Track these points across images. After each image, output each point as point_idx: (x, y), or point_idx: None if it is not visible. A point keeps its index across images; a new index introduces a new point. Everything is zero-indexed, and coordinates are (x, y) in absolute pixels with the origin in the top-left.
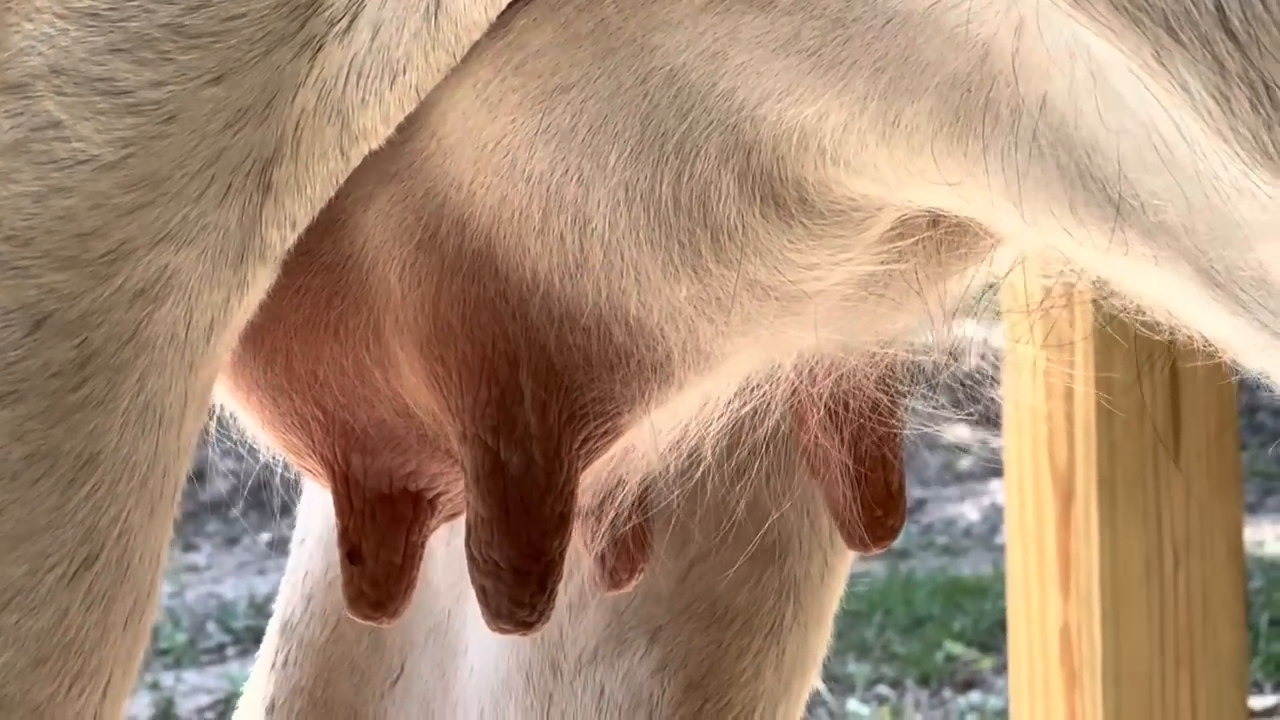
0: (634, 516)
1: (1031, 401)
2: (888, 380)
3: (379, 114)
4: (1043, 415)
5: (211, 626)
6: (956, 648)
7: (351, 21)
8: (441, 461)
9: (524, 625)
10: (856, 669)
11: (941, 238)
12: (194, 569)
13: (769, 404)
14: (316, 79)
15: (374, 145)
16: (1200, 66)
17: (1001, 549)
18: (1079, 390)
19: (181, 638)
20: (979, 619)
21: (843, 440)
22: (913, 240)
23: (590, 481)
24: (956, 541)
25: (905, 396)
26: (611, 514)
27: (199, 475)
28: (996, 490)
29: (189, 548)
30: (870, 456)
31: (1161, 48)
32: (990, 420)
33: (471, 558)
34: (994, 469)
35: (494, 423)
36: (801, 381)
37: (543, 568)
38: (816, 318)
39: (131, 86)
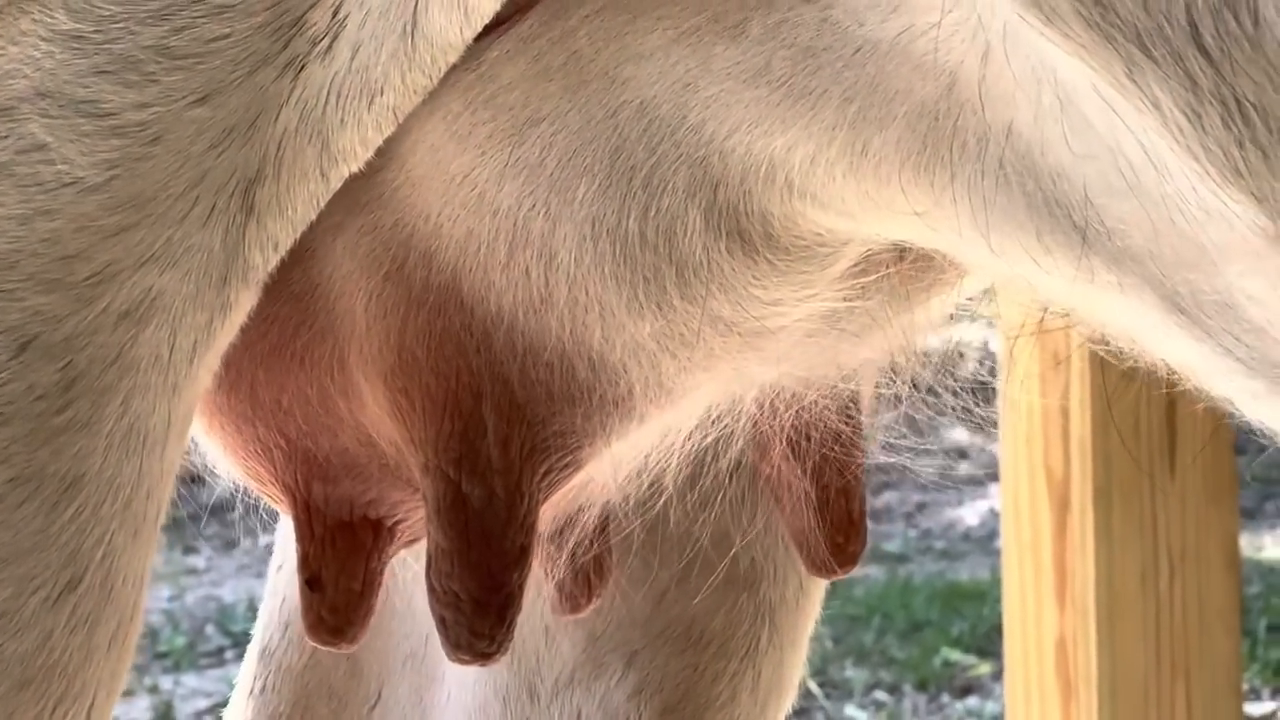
0: (594, 544)
1: (1028, 412)
2: (849, 410)
3: (357, 136)
4: (1039, 425)
5: (211, 630)
6: (954, 653)
7: (333, 41)
8: (402, 490)
9: (483, 656)
10: (854, 674)
11: (905, 272)
12: (193, 572)
13: (731, 435)
14: (299, 99)
15: (353, 168)
16: (1172, 83)
17: (999, 554)
18: (1075, 400)
19: (181, 641)
20: (977, 624)
21: (804, 470)
22: (877, 276)
23: (551, 510)
24: (954, 546)
25: (867, 425)
26: (571, 542)
27: (197, 479)
28: (995, 494)
29: (188, 551)
30: (832, 485)
31: (1133, 64)
32: (989, 424)
33: (431, 589)
34: (992, 473)
35: (456, 455)
36: (763, 413)
37: (502, 599)
38: (779, 353)
39: (116, 108)
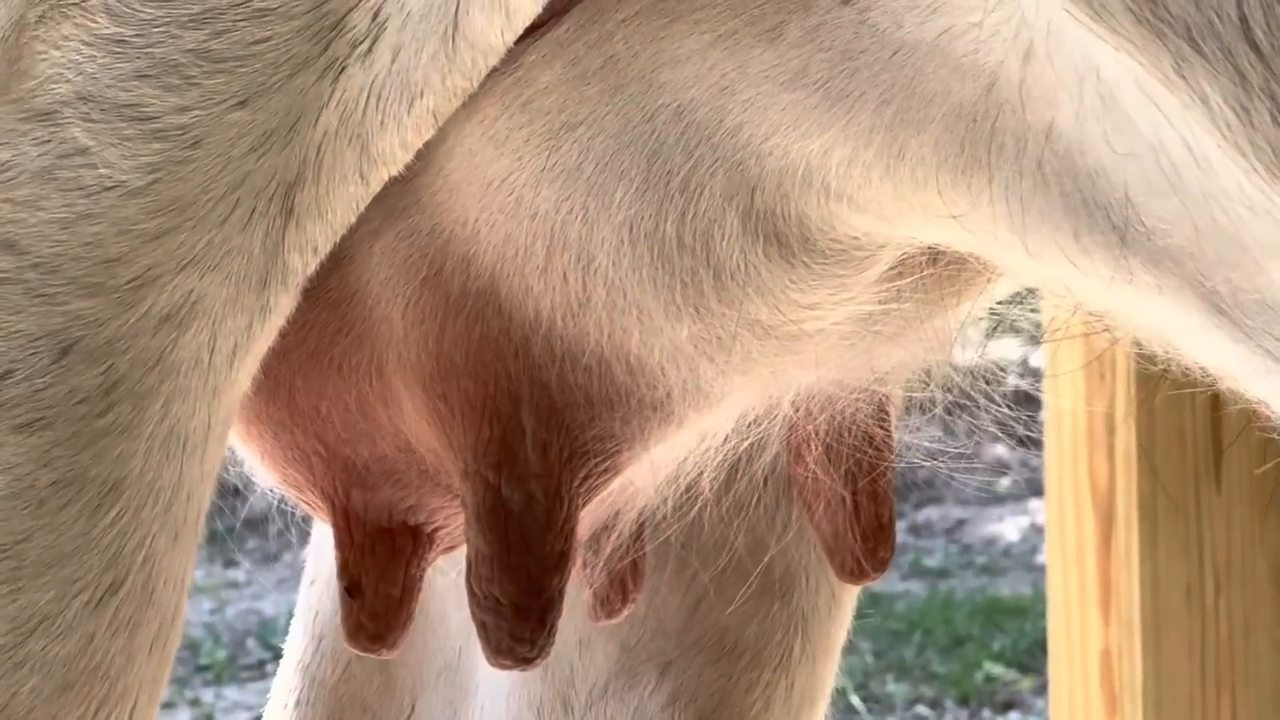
0: (630, 550)
1: (1072, 425)
2: (882, 414)
3: (397, 138)
4: (1084, 438)
5: (252, 643)
6: (996, 668)
7: (373, 44)
8: (441, 496)
9: (524, 661)
10: (896, 689)
11: (940, 274)
12: (234, 585)
13: (766, 439)
14: (339, 102)
15: (393, 171)
16: (1221, 79)
17: (1041, 569)
18: (1120, 413)
19: (222, 654)
20: (1018, 639)
21: (837, 474)
22: (912, 279)
23: (589, 515)
24: (996, 561)
25: (899, 430)
26: (608, 548)
27: (238, 492)
28: (1036, 510)
29: (229, 564)
30: (863, 490)
31: (1183, 59)
32: (1030, 440)
33: (472, 594)
34: (1034, 488)
35: (495, 460)
36: (799, 417)
37: (543, 604)
38: (815, 356)
39: (158, 112)
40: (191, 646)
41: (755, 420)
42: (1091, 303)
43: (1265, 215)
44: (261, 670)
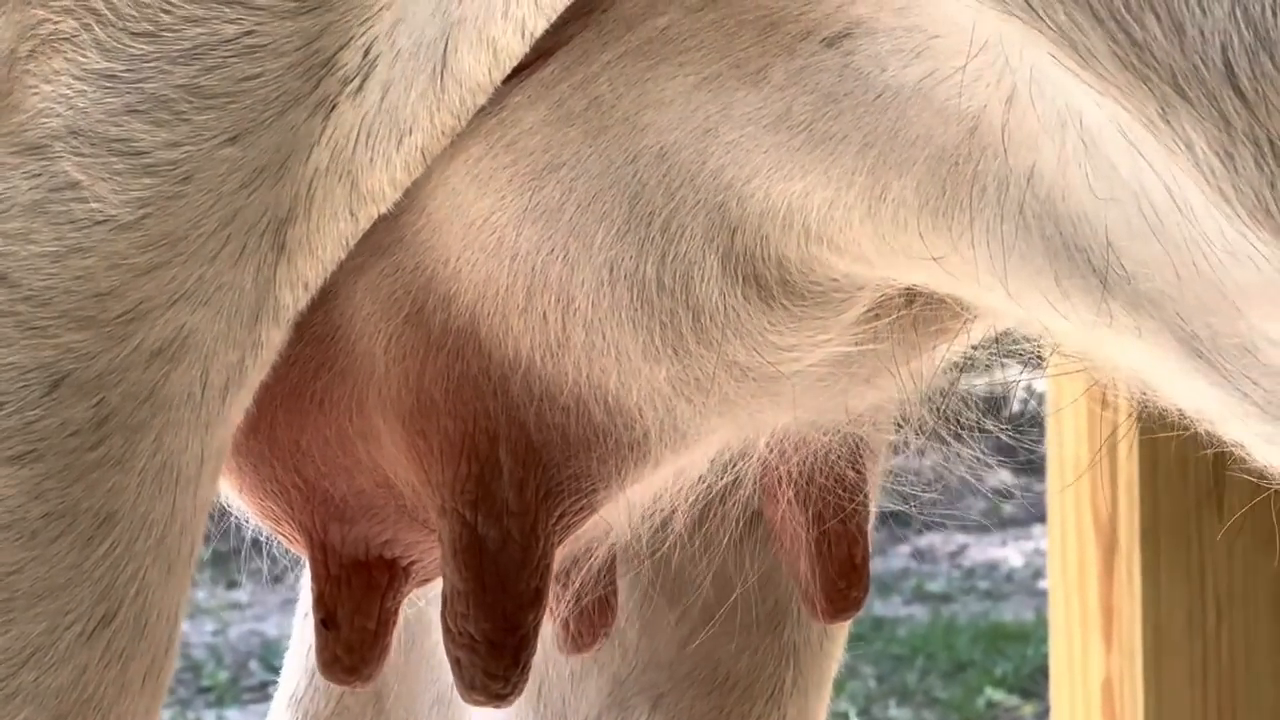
0: (600, 585)
1: (1075, 453)
2: (855, 455)
3: (386, 176)
4: (1086, 466)
5: (254, 664)
6: (998, 693)
7: (364, 81)
8: (418, 531)
9: (498, 697)
10: (898, 714)
11: (916, 316)
12: (237, 606)
13: (741, 479)
14: (330, 139)
15: (382, 209)
16: (1206, 124)
17: (1044, 594)
18: (1122, 441)
19: (224, 676)
20: (1021, 665)
21: (809, 515)
22: (888, 320)
23: (561, 552)
24: (998, 587)
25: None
26: (578, 582)
27: (242, 513)
28: (1039, 535)
29: (231, 585)
30: (835, 531)
31: (1168, 105)
32: (1033, 466)
33: (447, 630)
34: (1036, 514)
35: (472, 497)
36: (772, 457)
37: (517, 641)
38: (793, 397)
39: (148, 147)
40: (194, 668)
41: (731, 460)
42: (1071, 344)
43: (1246, 261)
44: (264, 692)
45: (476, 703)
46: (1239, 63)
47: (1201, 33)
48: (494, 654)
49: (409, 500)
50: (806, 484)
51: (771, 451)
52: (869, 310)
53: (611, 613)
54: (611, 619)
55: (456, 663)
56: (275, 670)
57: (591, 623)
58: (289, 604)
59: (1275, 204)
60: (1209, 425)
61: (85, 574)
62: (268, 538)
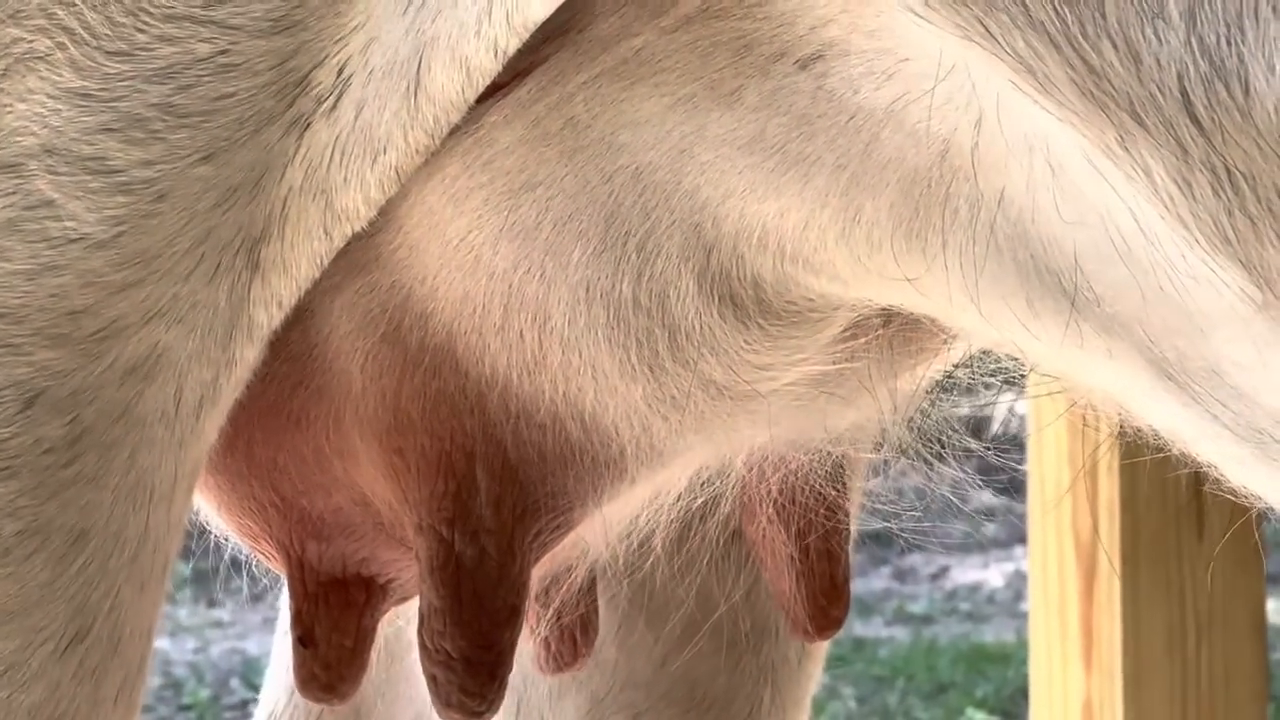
0: (581, 604)
1: (1055, 474)
2: (837, 475)
3: (361, 195)
4: (1066, 490)
5: (235, 682)
6: (979, 714)
7: (338, 100)
8: (395, 549)
9: (474, 714)
10: None
11: (894, 335)
12: (218, 625)
13: (720, 497)
14: (303, 157)
15: (356, 227)
16: (1163, 151)
17: (1025, 616)
18: (1103, 463)
19: (205, 694)
20: (1001, 686)
21: (789, 533)
22: (865, 340)
23: (540, 570)
24: (980, 608)
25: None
26: (558, 600)
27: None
28: (1021, 557)
29: (213, 604)
30: (816, 549)
31: (1125, 132)
32: (1015, 487)
33: (423, 647)
34: (1017, 535)
35: (449, 515)
36: (751, 476)
37: (494, 658)
38: (769, 416)
39: (122, 165)
40: (175, 686)
41: (709, 479)
42: (1044, 365)
43: (1208, 285)
44: (245, 710)
45: None
46: (1195, 91)
47: (1158, 61)
48: (470, 671)
49: (386, 518)
50: (788, 503)
51: (750, 470)
52: (846, 330)
53: (593, 632)
54: (593, 638)
55: (433, 680)
56: (256, 688)
57: (573, 641)
58: (270, 622)
59: (1233, 231)
60: (1183, 446)
61: (58, 591)
62: (248, 556)
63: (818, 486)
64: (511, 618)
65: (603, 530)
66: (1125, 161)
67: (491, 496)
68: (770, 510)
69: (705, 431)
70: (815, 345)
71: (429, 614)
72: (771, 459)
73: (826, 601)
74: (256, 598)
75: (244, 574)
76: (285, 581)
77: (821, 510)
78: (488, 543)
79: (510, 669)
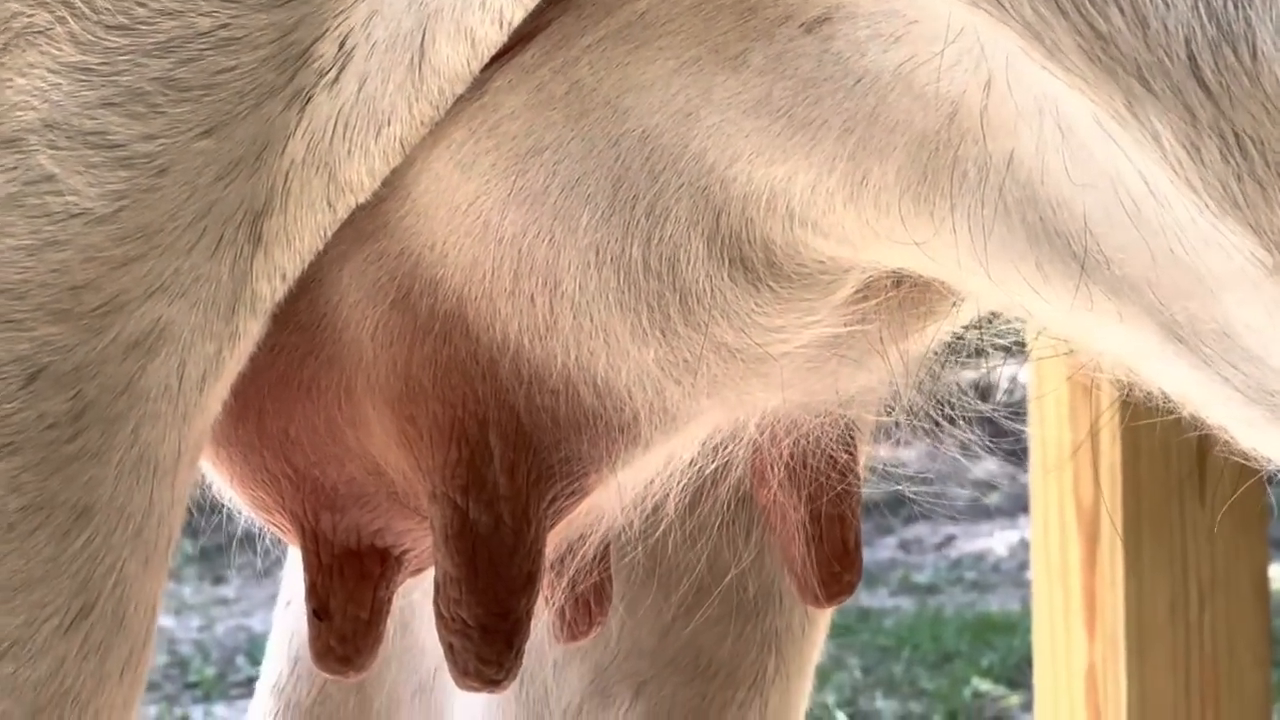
0: (595, 572)
1: (1057, 442)
2: (848, 439)
3: (364, 166)
4: (1068, 456)
5: (241, 660)
6: (984, 684)
7: (340, 73)
8: (409, 519)
9: (491, 683)
10: (884, 705)
11: (904, 297)
12: (223, 602)
13: (731, 462)
14: (305, 130)
15: (360, 199)
16: (1171, 116)
17: (1030, 585)
18: (1105, 431)
19: (211, 671)
20: (1007, 655)
21: (801, 497)
22: (876, 301)
23: (555, 537)
24: (985, 577)
25: (868, 455)
26: (572, 569)
27: (228, 509)
28: (1025, 526)
29: (218, 581)
30: (828, 514)
31: (1133, 97)
32: (1020, 456)
33: (439, 615)
34: (1022, 504)
35: (463, 482)
36: (763, 440)
37: (510, 626)
38: (782, 378)
39: (123, 140)
40: (180, 663)
41: (721, 443)
42: (1054, 328)
43: (1218, 248)
44: (250, 687)
45: (470, 688)
46: (1203, 56)
47: (1165, 26)
48: (487, 639)
49: (399, 487)
50: (800, 467)
51: (762, 434)
52: (857, 291)
53: (607, 599)
54: (607, 606)
55: (450, 648)
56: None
57: (588, 609)
58: (275, 600)
59: (1242, 196)
60: (1192, 409)
61: (63, 566)
62: (253, 533)
63: (829, 450)
64: (527, 585)
65: (617, 496)
66: (1134, 127)
67: (505, 463)
68: (782, 474)
69: (718, 395)
70: (826, 307)
71: (445, 582)
72: (783, 422)
73: (839, 566)
74: (262, 575)
75: (249, 552)
76: (291, 554)
77: (833, 474)
78: (502, 510)
79: (527, 637)
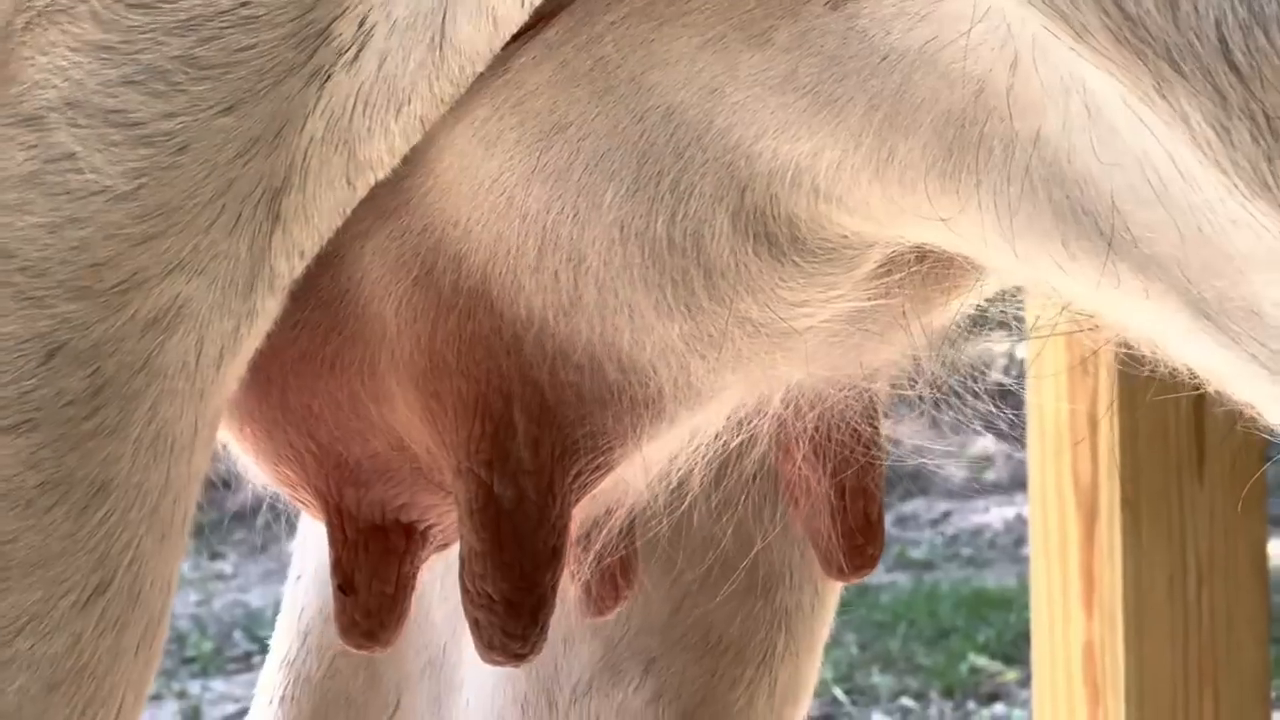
0: (620, 546)
1: (1055, 419)
2: (871, 412)
3: (384, 144)
4: (1067, 432)
5: (238, 635)
6: (981, 659)
7: (359, 51)
8: (434, 494)
9: (517, 657)
10: (880, 680)
11: (928, 272)
12: (221, 577)
13: (755, 436)
14: (325, 108)
15: (380, 176)
16: (1201, 98)
17: (1026, 560)
18: (1103, 407)
19: (208, 646)
20: (1003, 630)
21: (825, 471)
22: (900, 276)
23: (580, 512)
24: (981, 553)
25: (887, 428)
26: (598, 544)
27: (225, 483)
28: (1022, 501)
29: (215, 556)
30: (851, 487)
31: (1163, 79)
32: (1016, 431)
33: (465, 590)
34: (1019, 479)
35: (488, 457)
36: (788, 414)
37: (535, 600)
38: (806, 353)
39: (144, 118)
40: (178, 639)
41: (745, 417)
42: (1079, 304)
43: (1247, 228)
44: (248, 662)
45: (496, 663)
46: (1233, 37)
47: (1195, 8)
48: (512, 614)
49: (424, 462)
50: (824, 440)
51: (787, 408)
52: (881, 266)
53: (633, 574)
54: (632, 580)
55: (475, 623)
56: (259, 640)
57: (613, 584)
58: (272, 574)
59: (1273, 177)
60: (1218, 386)
61: (80, 543)
62: (251, 509)
63: (853, 423)
64: (552, 559)
65: (642, 471)
66: (1163, 108)
67: (530, 438)
68: (807, 448)
69: (743, 370)
70: (850, 281)
71: (470, 557)
72: (808, 396)
73: (862, 539)
74: (258, 550)
75: (246, 527)
76: (300, 529)
77: (857, 447)
78: (527, 484)
79: (552, 611)
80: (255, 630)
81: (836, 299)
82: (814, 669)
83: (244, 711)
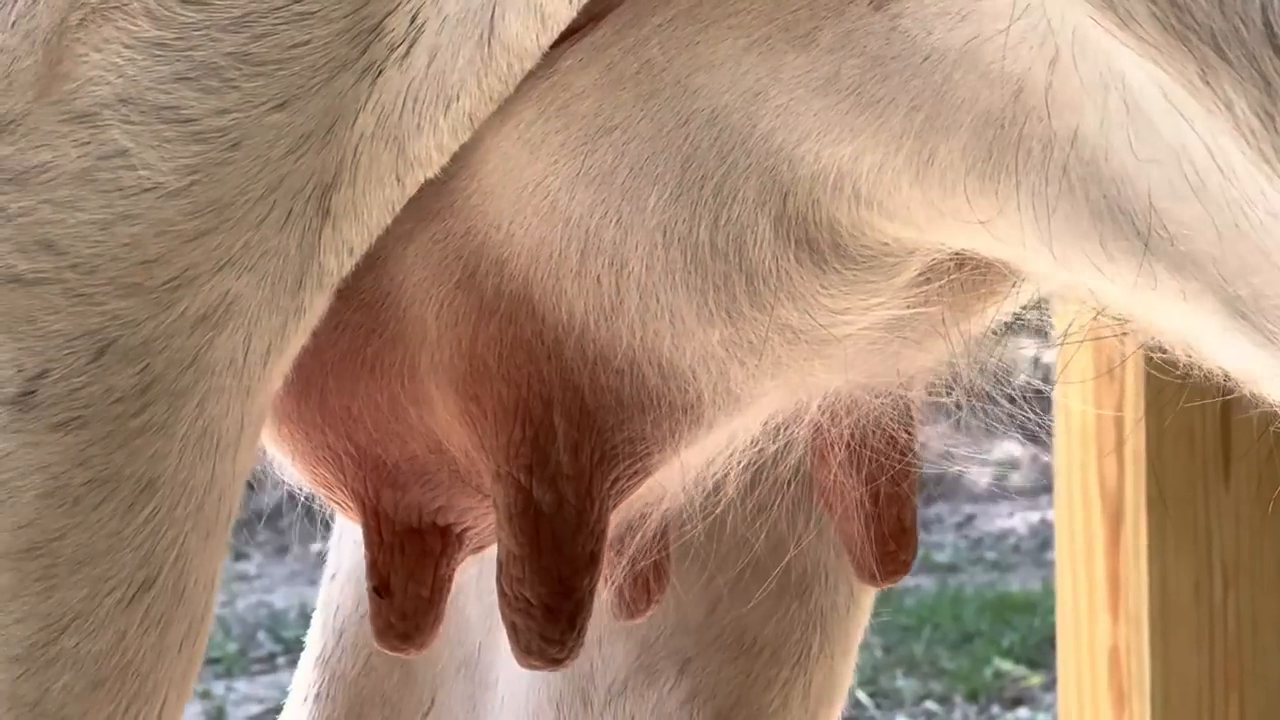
0: (654, 550)
1: (1081, 422)
2: (905, 417)
3: (433, 141)
4: (1092, 436)
5: (262, 636)
6: (1005, 664)
7: (410, 47)
8: (471, 497)
9: (554, 661)
10: (904, 684)
11: (966, 279)
12: (245, 578)
13: (792, 442)
14: (376, 104)
15: (429, 173)
16: (1246, 85)
17: (1051, 564)
18: (1128, 411)
19: (232, 647)
20: (1028, 635)
21: (860, 476)
22: (939, 284)
23: (616, 516)
24: (1006, 557)
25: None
26: (632, 548)
27: (250, 485)
28: (1047, 505)
29: (240, 557)
30: (885, 492)
31: (1208, 66)
32: (1041, 435)
33: (503, 594)
34: (1044, 484)
35: (527, 462)
36: (824, 420)
37: (573, 605)
38: (845, 360)
39: (197, 114)
40: None
41: (783, 423)
42: (1115, 307)
43: None
44: (272, 663)
45: (533, 667)
46: (1279, 23)
47: None
48: (550, 618)
49: (462, 465)
50: (860, 446)
51: (824, 414)
52: (920, 274)
53: (666, 577)
54: (665, 584)
55: (513, 627)
56: (283, 641)
57: (646, 588)
58: (297, 575)
59: None
60: (1254, 387)
61: (126, 540)
62: (276, 510)
63: (889, 429)
64: (590, 564)
65: (679, 475)
66: (1206, 96)
67: (569, 442)
68: (843, 454)
69: (781, 376)
70: (890, 289)
71: (508, 561)
72: (845, 403)
73: (895, 545)
74: (282, 551)
75: (271, 528)
76: (335, 528)
77: (893, 453)
78: (566, 489)
79: (589, 615)
80: (279, 631)
81: (877, 306)
82: (849, 670)
83: (268, 712)
